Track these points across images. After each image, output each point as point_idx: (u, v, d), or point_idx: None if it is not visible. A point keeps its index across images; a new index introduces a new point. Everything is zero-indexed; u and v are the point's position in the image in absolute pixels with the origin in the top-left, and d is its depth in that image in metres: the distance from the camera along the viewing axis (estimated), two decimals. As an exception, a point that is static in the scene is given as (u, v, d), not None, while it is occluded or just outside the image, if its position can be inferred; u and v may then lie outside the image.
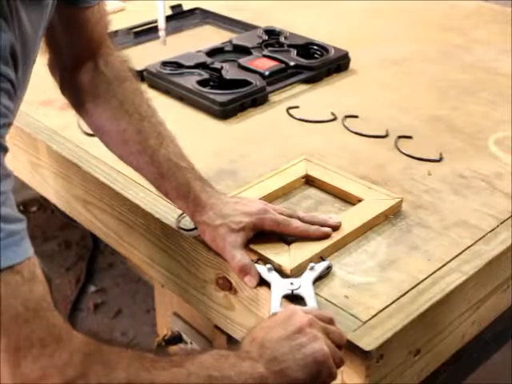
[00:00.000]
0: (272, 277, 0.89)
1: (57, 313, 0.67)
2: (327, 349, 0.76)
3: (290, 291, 0.87)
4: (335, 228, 0.96)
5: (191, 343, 1.51)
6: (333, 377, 0.77)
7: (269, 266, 0.90)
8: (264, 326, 0.79)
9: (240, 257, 0.91)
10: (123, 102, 0.98)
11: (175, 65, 1.43)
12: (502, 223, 1.00)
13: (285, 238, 0.95)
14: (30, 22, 0.73)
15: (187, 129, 1.10)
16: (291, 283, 0.87)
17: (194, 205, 0.95)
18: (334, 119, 1.28)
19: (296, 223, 0.94)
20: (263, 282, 0.90)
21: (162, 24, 1.48)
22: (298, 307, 0.82)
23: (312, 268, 0.89)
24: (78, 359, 0.65)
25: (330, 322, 0.81)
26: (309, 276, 0.89)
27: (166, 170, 0.96)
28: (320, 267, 0.90)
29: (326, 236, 0.95)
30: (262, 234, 0.94)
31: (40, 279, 0.66)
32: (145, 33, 1.65)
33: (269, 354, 0.75)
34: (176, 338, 1.56)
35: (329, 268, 0.91)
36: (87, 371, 0.65)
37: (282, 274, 0.90)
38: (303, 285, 0.87)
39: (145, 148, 0.97)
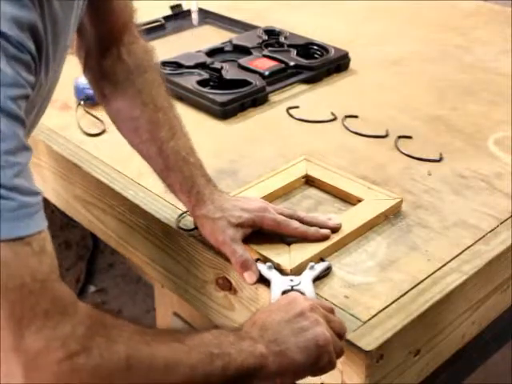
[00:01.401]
0: (272, 274, 0.89)
1: (64, 285, 0.68)
2: (329, 334, 0.76)
3: (289, 287, 0.86)
4: (335, 230, 0.96)
5: (191, 343, 1.51)
6: (332, 365, 0.77)
7: (269, 264, 0.90)
8: (265, 310, 0.80)
9: (241, 252, 0.91)
10: (141, 92, 0.99)
11: (175, 65, 1.43)
12: (501, 223, 1.00)
13: (284, 238, 0.95)
14: (60, 7, 0.74)
15: (187, 129, 1.10)
16: (291, 280, 0.87)
17: (195, 199, 0.95)
18: (334, 119, 1.28)
19: (295, 224, 0.94)
20: (263, 281, 0.90)
21: (194, 7, 1.62)
22: (299, 294, 0.83)
23: (312, 267, 0.90)
24: (80, 332, 0.65)
25: (331, 311, 0.82)
26: (309, 274, 0.89)
27: (172, 163, 0.97)
28: (320, 267, 0.90)
29: (325, 238, 0.95)
30: (261, 234, 0.95)
31: (49, 253, 0.67)
32: (145, 33, 1.64)
33: (269, 334, 0.75)
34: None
35: (328, 269, 0.91)
36: (89, 345, 0.65)
37: (282, 273, 0.90)
38: (303, 282, 0.87)
39: (155, 138, 0.97)
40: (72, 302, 0.67)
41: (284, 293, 0.86)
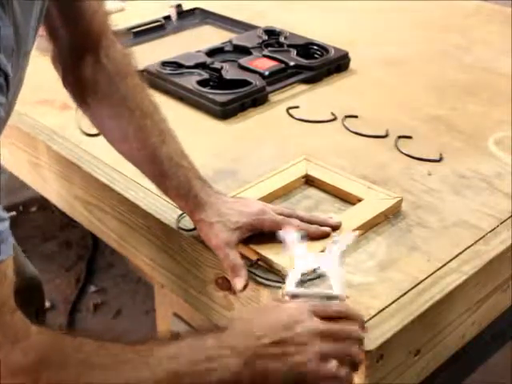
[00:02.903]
0: (298, 248, 0.84)
1: (19, 314, 0.67)
2: (314, 363, 0.73)
3: (312, 269, 0.81)
4: (335, 228, 0.96)
5: (191, 343, 1.51)
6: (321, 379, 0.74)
7: (303, 232, 0.86)
8: (256, 318, 0.77)
9: (233, 256, 0.90)
10: (125, 98, 0.97)
11: (175, 65, 1.43)
12: (501, 223, 1.00)
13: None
14: (21, 12, 0.71)
15: (187, 129, 1.10)
16: (314, 261, 0.82)
17: (193, 203, 0.95)
18: (334, 119, 1.28)
19: (295, 222, 0.94)
20: (260, 284, 0.89)
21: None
22: (302, 308, 0.77)
23: (335, 242, 0.84)
24: (30, 361, 0.65)
25: (360, 325, 0.78)
26: (335, 251, 0.82)
27: (167, 169, 0.96)
28: (345, 240, 0.85)
29: (326, 235, 0.94)
30: (262, 234, 0.94)
31: (9, 281, 0.66)
32: (145, 33, 1.65)
33: (251, 350, 0.72)
34: (176, 338, 1.56)
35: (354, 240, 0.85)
36: (38, 376, 0.65)
37: (283, 273, 0.90)
38: (329, 263, 0.81)
39: (146, 146, 0.96)
40: (24, 331, 0.67)
41: (303, 276, 0.81)
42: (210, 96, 1.31)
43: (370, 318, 0.84)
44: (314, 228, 0.95)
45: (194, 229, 0.98)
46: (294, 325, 0.75)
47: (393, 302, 0.87)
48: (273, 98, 1.36)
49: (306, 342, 0.74)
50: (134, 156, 0.99)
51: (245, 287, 0.89)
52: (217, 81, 1.38)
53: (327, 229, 0.95)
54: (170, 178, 0.96)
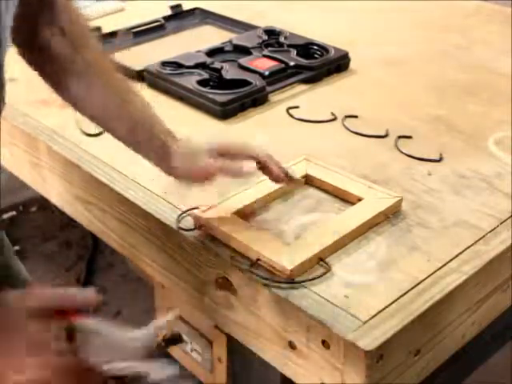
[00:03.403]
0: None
1: None
2: None
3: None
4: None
5: (191, 343, 1.51)
6: None
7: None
8: None
9: (224, 163, 0.95)
10: (90, 65, 0.96)
11: (175, 65, 1.43)
12: (501, 223, 1.00)
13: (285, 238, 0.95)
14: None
15: (187, 129, 1.10)
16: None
17: (167, 153, 0.97)
18: (334, 119, 1.28)
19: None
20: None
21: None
22: None
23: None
24: None
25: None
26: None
27: (138, 126, 0.97)
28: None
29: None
30: (261, 235, 0.95)
31: None
32: (145, 33, 1.65)
33: None
34: (176, 339, 1.57)
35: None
36: None
37: (282, 274, 0.90)
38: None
39: (123, 111, 0.97)
40: None
41: None
42: (210, 96, 1.31)
43: (370, 318, 0.84)
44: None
45: (194, 229, 0.99)
46: None
47: (393, 302, 0.87)
48: (273, 98, 1.36)
49: None
50: (114, 124, 0.99)
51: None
52: (217, 81, 1.38)
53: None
54: (141, 133, 0.97)
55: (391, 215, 1.01)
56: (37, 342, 0.72)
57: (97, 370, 0.74)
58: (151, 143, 0.98)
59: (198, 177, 0.98)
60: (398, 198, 1.02)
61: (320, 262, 0.92)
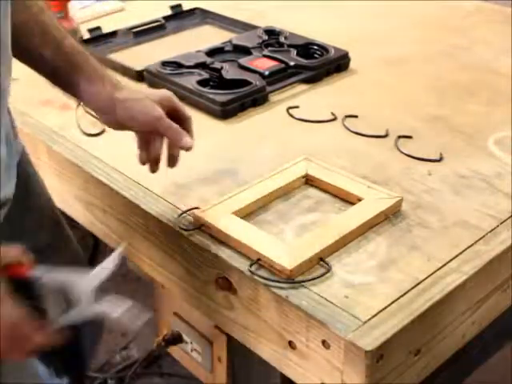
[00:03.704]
0: None
1: None
2: None
3: None
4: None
5: (191, 343, 1.51)
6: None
7: None
8: None
9: (175, 125, 0.95)
10: None
11: (175, 65, 1.43)
12: (501, 223, 1.00)
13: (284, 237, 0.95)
14: None
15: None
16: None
17: (112, 84, 0.96)
18: (334, 119, 1.28)
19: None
20: None
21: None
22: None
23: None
24: None
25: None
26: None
27: (77, 59, 0.95)
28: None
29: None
30: (261, 237, 0.95)
31: None
32: (145, 33, 1.65)
33: None
34: (176, 338, 1.57)
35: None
36: None
37: (282, 274, 0.90)
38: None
39: (47, 40, 0.95)
40: None
41: None
42: (210, 96, 1.31)
43: (370, 318, 0.84)
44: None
45: (195, 229, 0.99)
46: None
47: (393, 302, 0.87)
48: (273, 97, 1.36)
49: None
50: (40, 52, 0.96)
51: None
52: (217, 81, 1.38)
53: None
54: (81, 68, 0.96)
55: (391, 215, 1.01)
56: None
57: (43, 326, 0.77)
58: (95, 76, 0.96)
59: (145, 123, 0.95)
60: (398, 198, 1.02)
61: (320, 262, 0.93)
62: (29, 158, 1.12)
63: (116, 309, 0.79)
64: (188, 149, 0.97)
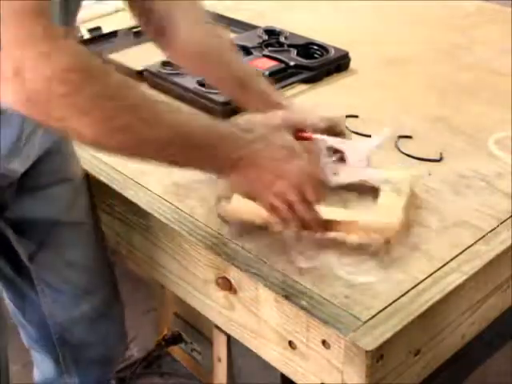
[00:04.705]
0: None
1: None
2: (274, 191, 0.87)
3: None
4: None
5: (191, 343, 1.52)
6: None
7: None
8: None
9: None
10: (197, 20, 1.10)
11: (175, 65, 1.43)
12: (501, 223, 1.00)
13: None
14: None
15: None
16: None
17: (275, 106, 1.03)
18: (334, 119, 1.28)
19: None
20: None
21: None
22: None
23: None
24: (77, 61, 0.73)
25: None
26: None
27: (247, 80, 1.06)
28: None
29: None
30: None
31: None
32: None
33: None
34: (176, 338, 1.57)
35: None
36: (85, 78, 0.73)
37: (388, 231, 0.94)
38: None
39: (222, 62, 1.07)
40: (63, 34, 0.73)
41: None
42: (211, 96, 1.31)
43: (370, 318, 0.84)
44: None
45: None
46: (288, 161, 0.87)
47: (393, 302, 0.87)
48: (273, 97, 1.36)
49: (290, 178, 0.87)
50: (213, 74, 1.10)
51: None
52: (217, 81, 1.37)
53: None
54: (249, 88, 1.06)
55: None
56: (291, 150, 0.88)
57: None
58: (259, 98, 1.05)
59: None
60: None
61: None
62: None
63: (376, 179, 0.94)
64: None
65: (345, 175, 0.94)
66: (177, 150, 0.82)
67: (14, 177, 1.01)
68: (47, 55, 0.71)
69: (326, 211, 0.93)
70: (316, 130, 1.00)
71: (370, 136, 1.22)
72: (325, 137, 0.94)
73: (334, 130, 1.03)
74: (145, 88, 1.41)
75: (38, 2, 0.71)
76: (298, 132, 0.93)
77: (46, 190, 1.10)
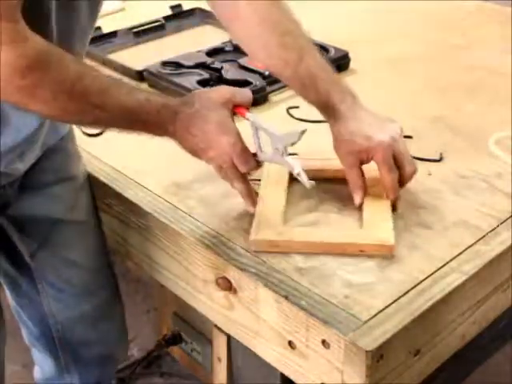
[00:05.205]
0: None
1: (22, 24, 0.80)
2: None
3: None
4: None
5: (191, 343, 1.51)
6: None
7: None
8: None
9: (355, 174, 1.01)
10: (265, 18, 1.07)
11: (175, 65, 1.43)
12: (502, 223, 1.00)
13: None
14: None
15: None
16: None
17: (332, 115, 1.04)
18: (334, 119, 1.28)
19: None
20: None
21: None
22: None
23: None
24: (34, 60, 0.80)
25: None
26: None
27: (308, 83, 1.04)
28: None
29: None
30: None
31: None
32: (145, 33, 1.65)
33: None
34: (176, 338, 1.57)
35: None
36: (43, 74, 0.81)
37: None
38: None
39: (287, 62, 1.04)
40: (24, 35, 0.80)
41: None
42: (210, 96, 1.31)
43: (370, 318, 0.84)
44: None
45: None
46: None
47: (393, 302, 0.87)
48: (273, 97, 1.36)
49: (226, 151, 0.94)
50: (280, 72, 1.08)
51: (360, 205, 1.01)
52: (217, 81, 1.38)
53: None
54: (310, 91, 1.05)
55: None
56: (223, 126, 0.94)
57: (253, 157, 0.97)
58: (318, 102, 1.05)
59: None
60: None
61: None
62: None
63: (298, 167, 0.95)
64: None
65: (268, 156, 0.98)
66: (123, 124, 0.92)
67: (17, 175, 1.02)
68: (9, 58, 0.78)
69: (320, 234, 0.96)
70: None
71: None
72: (258, 120, 0.99)
73: None
74: (145, 88, 1.41)
75: (2, 7, 0.76)
76: (235, 108, 0.98)
77: (48, 188, 1.11)
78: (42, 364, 1.29)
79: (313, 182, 0.94)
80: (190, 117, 0.93)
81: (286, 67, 1.05)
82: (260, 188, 1.05)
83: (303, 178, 0.94)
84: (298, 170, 0.95)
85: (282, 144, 0.96)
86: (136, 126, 0.92)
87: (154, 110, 0.91)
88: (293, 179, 1.07)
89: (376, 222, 0.97)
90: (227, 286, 0.95)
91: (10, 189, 1.04)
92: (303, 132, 0.95)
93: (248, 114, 0.99)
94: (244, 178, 0.98)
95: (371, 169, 1.01)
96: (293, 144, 0.96)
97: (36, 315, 1.21)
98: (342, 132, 1.02)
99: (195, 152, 0.96)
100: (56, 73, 0.82)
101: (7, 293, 1.22)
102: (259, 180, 1.07)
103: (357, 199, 1.01)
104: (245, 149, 0.95)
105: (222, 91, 0.98)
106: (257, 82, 1.34)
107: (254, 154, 0.98)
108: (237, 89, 1.01)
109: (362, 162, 1.00)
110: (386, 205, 1.00)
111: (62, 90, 0.83)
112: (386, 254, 0.94)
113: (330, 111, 1.03)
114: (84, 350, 1.24)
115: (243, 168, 0.96)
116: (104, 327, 1.23)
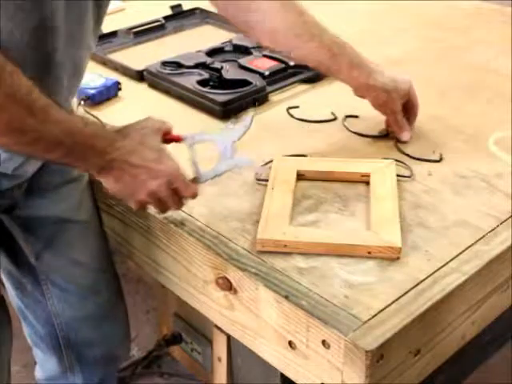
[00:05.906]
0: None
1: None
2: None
3: None
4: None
5: (191, 343, 1.52)
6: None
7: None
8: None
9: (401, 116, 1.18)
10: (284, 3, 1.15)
11: (175, 65, 1.43)
12: (502, 223, 1.00)
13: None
14: None
15: (187, 129, 1.10)
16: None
17: (368, 71, 1.15)
18: (334, 119, 1.28)
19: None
20: None
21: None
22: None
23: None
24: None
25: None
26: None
27: (336, 50, 1.14)
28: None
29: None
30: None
31: None
32: (145, 33, 1.65)
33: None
34: (176, 338, 1.57)
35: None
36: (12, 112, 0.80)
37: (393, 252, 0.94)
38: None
39: (313, 35, 1.15)
40: None
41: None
42: (210, 96, 1.31)
43: (370, 318, 0.84)
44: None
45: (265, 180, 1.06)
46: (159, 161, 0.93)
47: (393, 302, 0.87)
48: (273, 97, 1.36)
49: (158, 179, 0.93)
50: (304, 48, 1.15)
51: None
52: (217, 81, 1.38)
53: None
54: (342, 56, 1.15)
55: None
56: (161, 152, 0.94)
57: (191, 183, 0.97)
58: (351, 64, 1.15)
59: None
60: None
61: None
62: None
63: (251, 161, 1.01)
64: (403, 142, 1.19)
65: (218, 166, 1.00)
66: (61, 149, 0.88)
67: (25, 178, 1.02)
68: None
69: (327, 235, 0.96)
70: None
71: (369, 136, 1.23)
72: (192, 134, 1.00)
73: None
74: (144, 88, 1.41)
75: None
76: (165, 135, 0.98)
77: (56, 189, 1.12)
78: (45, 364, 1.29)
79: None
80: (128, 147, 0.92)
81: (312, 39, 1.14)
82: (267, 188, 1.05)
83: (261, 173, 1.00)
84: (251, 163, 1.02)
85: (231, 140, 0.99)
86: (74, 150, 0.88)
87: (92, 133, 0.90)
88: (299, 179, 1.08)
89: (383, 224, 0.97)
90: (227, 286, 0.95)
91: (18, 191, 1.06)
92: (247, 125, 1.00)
93: (184, 135, 0.99)
94: (182, 204, 0.98)
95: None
96: (239, 138, 0.99)
97: (41, 315, 1.22)
98: (386, 82, 1.15)
99: (129, 188, 0.94)
100: (6, 86, 0.81)
101: (11, 293, 1.23)
102: (266, 180, 1.07)
103: (407, 136, 1.18)
104: (185, 175, 0.96)
105: (152, 121, 0.98)
106: (257, 82, 1.34)
107: (193, 180, 0.99)
108: (161, 119, 1.00)
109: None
110: (392, 207, 1.00)
111: (11, 101, 0.81)
112: (392, 256, 0.94)
113: (364, 68, 1.15)
114: (88, 350, 1.24)
115: (187, 192, 0.96)
116: (108, 327, 1.24)
